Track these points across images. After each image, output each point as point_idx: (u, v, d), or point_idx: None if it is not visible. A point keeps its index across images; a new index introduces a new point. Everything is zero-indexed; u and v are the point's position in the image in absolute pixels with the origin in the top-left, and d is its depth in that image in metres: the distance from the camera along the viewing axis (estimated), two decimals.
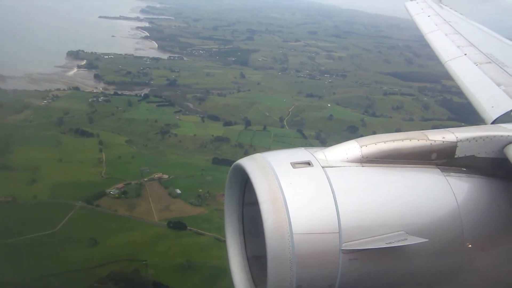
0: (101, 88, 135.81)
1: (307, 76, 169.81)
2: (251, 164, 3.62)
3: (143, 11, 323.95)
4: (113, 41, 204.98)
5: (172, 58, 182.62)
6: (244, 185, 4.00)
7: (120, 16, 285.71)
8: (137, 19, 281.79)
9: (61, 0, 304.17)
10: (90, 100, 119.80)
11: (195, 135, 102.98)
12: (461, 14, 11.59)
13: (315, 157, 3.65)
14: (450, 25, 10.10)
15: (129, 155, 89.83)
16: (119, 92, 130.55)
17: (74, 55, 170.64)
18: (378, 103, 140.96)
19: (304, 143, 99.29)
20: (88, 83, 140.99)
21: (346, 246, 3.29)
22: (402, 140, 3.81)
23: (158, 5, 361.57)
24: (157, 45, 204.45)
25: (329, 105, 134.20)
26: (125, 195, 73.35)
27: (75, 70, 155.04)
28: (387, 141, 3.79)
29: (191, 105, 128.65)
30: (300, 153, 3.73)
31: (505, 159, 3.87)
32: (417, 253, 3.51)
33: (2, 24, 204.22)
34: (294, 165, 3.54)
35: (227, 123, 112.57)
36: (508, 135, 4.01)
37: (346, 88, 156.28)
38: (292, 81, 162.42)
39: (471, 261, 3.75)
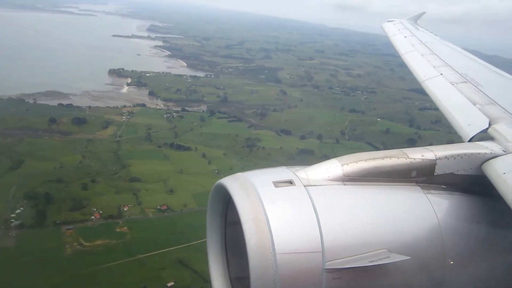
0: (162, 105, 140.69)
1: (341, 93, 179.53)
2: (233, 183, 3.63)
3: (149, 29, 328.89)
4: (141, 60, 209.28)
5: (209, 76, 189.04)
6: (226, 205, 4.00)
7: (132, 35, 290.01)
8: (149, 38, 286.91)
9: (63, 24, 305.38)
10: (165, 116, 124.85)
11: (281, 147, 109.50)
12: (436, 35, 11.84)
13: (297, 176, 3.69)
14: (426, 46, 10.26)
15: (238, 167, 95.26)
16: (185, 109, 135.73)
17: (116, 73, 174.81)
18: (418, 118, 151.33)
19: None
20: (145, 99, 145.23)
21: (330, 265, 3.29)
22: (382, 158, 3.92)
23: (160, 24, 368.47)
24: (186, 64, 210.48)
25: (379, 119, 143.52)
26: None
27: (126, 87, 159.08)
28: (367, 159, 3.89)
29: (253, 120, 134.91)
30: (282, 172, 3.77)
31: (483, 176, 4.02)
32: (400, 270, 3.55)
33: (32, 46, 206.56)
34: (276, 184, 3.58)
35: (303, 137, 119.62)
36: (485, 153, 4.19)
37: (383, 104, 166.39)
38: (330, 97, 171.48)
39: (453, 277, 3.77)
